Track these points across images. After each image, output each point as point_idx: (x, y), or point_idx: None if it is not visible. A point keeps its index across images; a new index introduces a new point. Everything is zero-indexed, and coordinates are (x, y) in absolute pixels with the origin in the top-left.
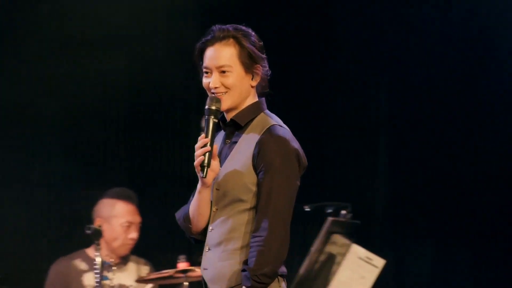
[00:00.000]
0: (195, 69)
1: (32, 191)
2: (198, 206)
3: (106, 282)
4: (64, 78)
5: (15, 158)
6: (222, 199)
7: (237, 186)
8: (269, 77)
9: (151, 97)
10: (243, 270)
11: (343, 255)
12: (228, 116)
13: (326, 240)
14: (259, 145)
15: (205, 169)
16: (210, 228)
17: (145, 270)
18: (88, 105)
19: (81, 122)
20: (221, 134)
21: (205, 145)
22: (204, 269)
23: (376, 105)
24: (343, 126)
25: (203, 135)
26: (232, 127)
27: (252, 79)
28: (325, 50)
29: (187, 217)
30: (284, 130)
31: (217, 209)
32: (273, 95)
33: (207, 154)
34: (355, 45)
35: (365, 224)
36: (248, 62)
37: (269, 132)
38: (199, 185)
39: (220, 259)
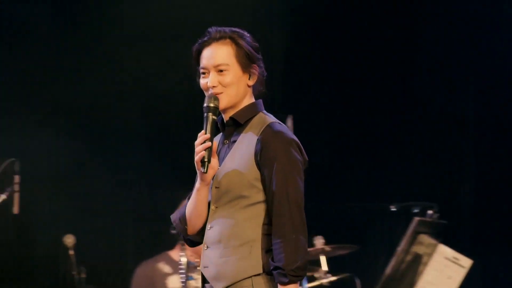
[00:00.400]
0: (279, 67)
1: (119, 192)
2: (196, 205)
3: (191, 282)
4: (151, 79)
5: (103, 159)
6: (223, 197)
7: (239, 183)
8: (265, 78)
9: None
10: (275, 268)
11: (430, 255)
12: (226, 117)
13: (413, 240)
14: (261, 141)
15: (206, 165)
16: (209, 226)
17: None
18: (176, 106)
19: (168, 124)
20: (219, 137)
21: (205, 142)
22: (205, 267)
23: (463, 104)
24: (430, 126)
25: (202, 131)
26: (232, 127)
27: (249, 79)
28: (412, 49)
29: (183, 219)
30: (283, 127)
31: (216, 207)
32: (359, 95)
33: (207, 150)
34: (443, 44)
35: (452, 224)
36: (245, 62)
37: (270, 128)
38: (198, 183)
39: (222, 256)
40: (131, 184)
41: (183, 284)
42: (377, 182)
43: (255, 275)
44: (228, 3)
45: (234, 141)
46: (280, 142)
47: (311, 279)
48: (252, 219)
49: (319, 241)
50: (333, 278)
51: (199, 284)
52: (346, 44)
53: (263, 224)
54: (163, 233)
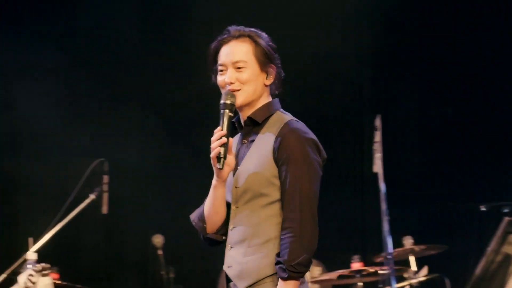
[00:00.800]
0: (368, 67)
1: (207, 192)
2: (213, 204)
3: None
4: None
5: (192, 159)
6: (243, 196)
7: (258, 181)
8: (282, 78)
9: (324, 94)
10: (277, 263)
11: None
12: (244, 116)
13: (503, 240)
14: (279, 139)
15: (222, 161)
16: (231, 226)
17: (317, 270)
18: None
19: None
20: (236, 138)
21: (221, 138)
22: (229, 267)
23: None
24: None
25: (219, 127)
26: (250, 126)
27: (266, 78)
28: (506, 47)
29: (202, 217)
30: (301, 124)
31: (237, 207)
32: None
33: (223, 146)
34: None
35: None
36: (264, 60)
37: (288, 126)
38: (214, 181)
39: (245, 255)
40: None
41: None
42: (467, 182)
43: (276, 273)
44: (318, 3)
45: (253, 141)
46: (296, 140)
47: (400, 279)
48: (272, 217)
49: (408, 241)
50: (422, 278)
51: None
52: (436, 43)
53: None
54: None
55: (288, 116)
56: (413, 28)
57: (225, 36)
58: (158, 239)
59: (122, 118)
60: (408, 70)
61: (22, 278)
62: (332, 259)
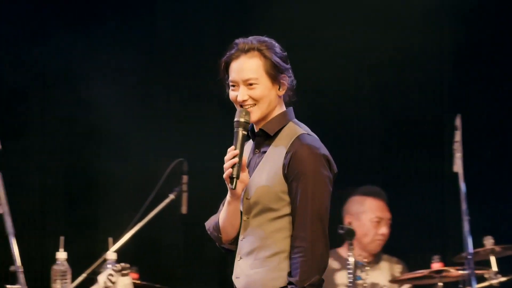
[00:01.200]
0: (448, 67)
1: None
2: (227, 217)
3: (359, 282)
4: (313, 76)
5: None
6: (253, 208)
7: (268, 196)
8: (294, 86)
9: (404, 95)
10: (289, 283)
11: None
12: (257, 126)
13: None
14: (290, 154)
15: (234, 181)
16: (242, 237)
17: (398, 269)
18: (339, 105)
19: (331, 120)
20: (250, 143)
21: (234, 157)
22: (236, 277)
23: None
24: None
25: (232, 147)
26: (262, 137)
27: (279, 89)
28: None
29: (217, 227)
30: (313, 138)
31: (247, 218)
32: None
33: (235, 166)
34: None
35: None
36: (274, 73)
37: (299, 141)
38: (228, 196)
39: (252, 267)
40: None
41: (351, 284)
42: None
43: (282, 287)
44: (398, 3)
45: (264, 152)
46: (307, 157)
47: (481, 279)
48: (280, 230)
49: (488, 241)
50: (503, 279)
51: (368, 283)
52: None
53: (291, 236)
54: (330, 232)
55: (301, 129)
56: (495, 26)
57: (233, 51)
58: None
59: (201, 118)
60: (489, 68)
61: (102, 278)
62: (412, 259)
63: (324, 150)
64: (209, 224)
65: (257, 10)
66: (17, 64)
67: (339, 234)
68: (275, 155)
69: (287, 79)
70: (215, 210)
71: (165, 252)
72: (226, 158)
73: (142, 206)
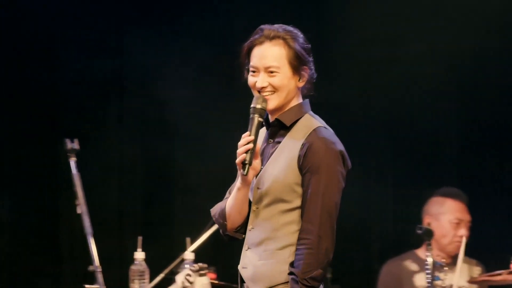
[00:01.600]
0: None
1: (363, 191)
2: (236, 204)
3: (438, 282)
4: (392, 76)
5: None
6: (264, 198)
7: (281, 186)
8: (314, 80)
9: (482, 95)
10: (290, 273)
11: None
12: (272, 116)
13: None
14: (306, 146)
15: (247, 167)
16: (250, 227)
17: (477, 271)
18: (418, 104)
19: (411, 121)
20: (263, 133)
21: (248, 143)
22: (243, 267)
23: None
24: None
25: (247, 132)
26: (277, 127)
27: (299, 81)
28: None
29: (222, 214)
30: (329, 132)
31: (257, 208)
32: None
33: (249, 152)
34: None
35: None
36: (296, 64)
37: (315, 134)
38: (238, 183)
39: (261, 258)
40: (375, 183)
41: (429, 285)
42: None
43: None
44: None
45: (278, 142)
46: (323, 150)
47: None
48: (291, 223)
49: None
50: None
51: (446, 284)
52: None
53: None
54: (407, 232)
55: (317, 121)
56: None
57: (257, 36)
58: None
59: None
60: None
61: (180, 278)
62: (491, 260)
63: (339, 145)
64: (214, 210)
65: (335, 7)
66: (93, 64)
67: (417, 234)
68: (291, 146)
69: (308, 72)
70: None
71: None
72: (240, 143)
73: None
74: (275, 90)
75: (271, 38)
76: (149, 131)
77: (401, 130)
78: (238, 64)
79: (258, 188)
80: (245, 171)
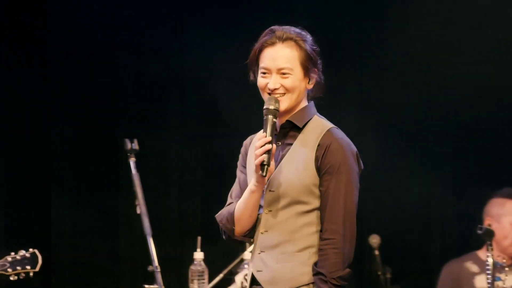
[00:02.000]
0: None
1: (422, 191)
2: (247, 207)
3: (498, 283)
4: (454, 74)
5: (408, 156)
6: (278, 201)
7: (298, 188)
8: (323, 82)
9: None
10: (317, 274)
11: None
12: (282, 118)
13: None
14: (323, 147)
15: (265, 168)
16: (263, 230)
17: None
18: (480, 103)
19: (474, 120)
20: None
21: (265, 144)
22: (258, 271)
23: None
24: None
25: (263, 134)
26: (287, 129)
27: (308, 83)
28: None
29: (231, 219)
30: (342, 133)
31: (270, 211)
32: None
33: (267, 153)
34: None
35: None
36: (308, 66)
37: (331, 134)
38: (252, 185)
39: (278, 261)
40: (435, 183)
41: (490, 285)
42: None
43: (313, 283)
44: None
45: (289, 144)
46: (342, 151)
47: None
48: (309, 225)
49: None
50: None
51: (507, 285)
52: None
53: (321, 230)
54: (469, 232)
55: (328, 123)
56: None
57: (268, 37)
58: (374, 239)
59: (341, 119)
60: None
61: (239, 278)
62: None
63: (354, 146)
64: (221, 216)
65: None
66: (153, 66)
67: (477, 235)
68: (305, 147)
69: (317, 74)
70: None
71: None
72: (257, 145)
73: None
74: (286, 91)
75: (284, 40)
76: (208, 132)
77: (462, 128)
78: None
79: (270, 190)
80: (264, 172)
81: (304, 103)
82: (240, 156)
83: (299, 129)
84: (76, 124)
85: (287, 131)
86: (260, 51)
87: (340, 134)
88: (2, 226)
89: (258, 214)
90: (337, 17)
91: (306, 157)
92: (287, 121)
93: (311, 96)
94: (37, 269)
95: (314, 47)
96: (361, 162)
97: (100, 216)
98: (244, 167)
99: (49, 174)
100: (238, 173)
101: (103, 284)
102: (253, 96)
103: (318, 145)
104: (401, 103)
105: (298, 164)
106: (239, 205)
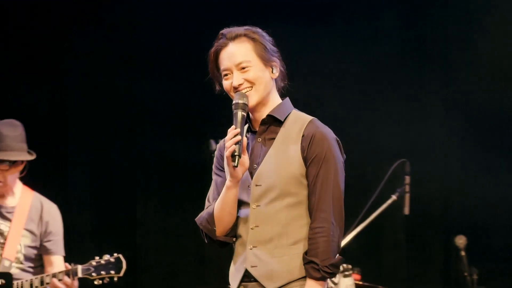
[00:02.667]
0: None
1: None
2: (226, 204)
3: None
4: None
5: (497, 158)
6: (266, 194)
7: (286, 179)
8: (285, 70)
9: None
10: (309, 262)
11: None
12: (256, 116)
13: None
14: (308, 137)
15: (237, 159)
16: (253, 225)
17: None
18: None
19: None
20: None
21: (235, 136)
22: (252, 266)
23: None
24: None
25: (232, 126)
26: (267, 124)
27: (272, 72)
28: None
29: (211, 219)
30: (323, 124)
31: (258, 206)
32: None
33: (238, 144)
34: None
35: None
36: (265, 55)
37: (314, 125)
38: (228, 182)
39: (274, 255)
40: None
41: None
42: None
43: (305, 276)
44: None
45: (271, 138)
46: (327, 140)
47: None
48: (300, 217)
49: None
50: None
51: None
52: None
53: (310, 215)
54: None
55: (307, 115)
56: None
57: (221, 40)
58: (461, 240)
59: (423, 118)
60: None
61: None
62: None
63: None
64: (200, 219)
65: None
66: None
67: None
68: (289, 139)
69: (278, 62)
70: (438, 210)
71: (388, 253)
72: (227, 137)
73: (364, 207)
74: (252, 84)
75: (234, 38)
76: None
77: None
78: (382, 64)
79: (257, 185)
80: (236, 162)
81: (275, 94)
82: (215, 160)
83: (279, 124)
84: (162, 126)
85: (267, 127)
86: (216, 57)
87: (321, 124)
88: (89, 228)
89: (245, 210)
90: (423, 21)
91: (292, 148)
92: (268, 115)
93: (281, 86)
94: (121, 274)
95: (267, 37)
96: (343, 151)
97: (185, 216)
98: (220, 169)
99: (135, 176)
100: (214, 176)
101: (188, 285)
102: (338, 98)
103: (303, 135)
104: (486, 103)
105: (284, 155)
106: (217, 204)
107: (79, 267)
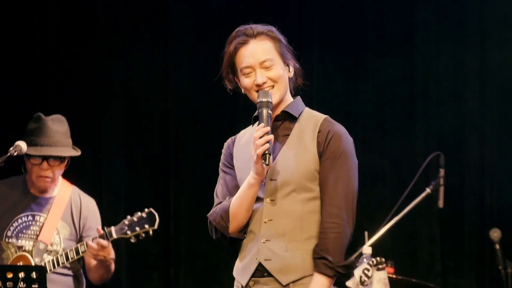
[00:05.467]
0: None
1: None
2: (245, 201)
3: None
4: None
5: None
6: (281, 188)
7: (301, 173)
8: (301, 70)
9: None
10: (321, 258)
11: None
12: (274, 112)
13: None
14: (324, 134)
15: (268, 157)
16: (266, 219)
17: None
18: None
19: None
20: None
21: (264, 135)
22: (266, 260)
23: None
24: None
25: (262, 124)
26: (281, 120)
27: (289, 71)
28: None
29: (226, 216)
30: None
31: (272, 200)
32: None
33: (269, 142)
34: None
35: None
36: (284, 54)
37: (329, 122)
38: (252, 179)
39: (288, 249)
40: None
41: None
42: None
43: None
44: None
45: (286, 135)
46: (343, 138)
47: None
48: (315, 213)
49: None
50: None
51: None
52: None
53: (321, 211)
54: None
55: (320, 113)
56: None
57: (240, 37)
58: (495, 233)
59: (460, 113)
60: None
61: (357, 272)
62: None
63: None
64: (214, 214)
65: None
66: None
67: None
68: (304, 135)
69: (293, 61)
70: (472, 203)
71: (422, 247)
72: (256, 135)
73: (398, 200)
74: (274, 83)
75: (255, 36)
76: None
77: None
78: (420, 60)
79: (271, 179)
80: (267, 161)
81: (289, 95)
82: (223, 156)
83: (293, 120)
84: (195, 115)
85: (281, 123)
86: (235, 53)
87: (337, 123)
88: (123, 218)
89: (257, 205)
90: (443, 22)
91: (307, 144)
92: (283, 111)
93: (295, 85)
94: (156, 227)
95: (284, 37)
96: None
97: None
98: (228, 167)
99: (169, 166)
100: (222, 173)
101: (222, 277)
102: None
103: (319, 131)
104: None
105: (299, 150)
106: (235, 200)
107: (113, 228)
